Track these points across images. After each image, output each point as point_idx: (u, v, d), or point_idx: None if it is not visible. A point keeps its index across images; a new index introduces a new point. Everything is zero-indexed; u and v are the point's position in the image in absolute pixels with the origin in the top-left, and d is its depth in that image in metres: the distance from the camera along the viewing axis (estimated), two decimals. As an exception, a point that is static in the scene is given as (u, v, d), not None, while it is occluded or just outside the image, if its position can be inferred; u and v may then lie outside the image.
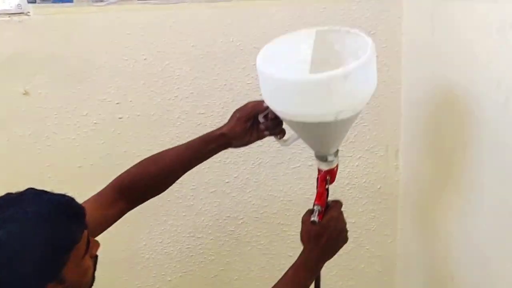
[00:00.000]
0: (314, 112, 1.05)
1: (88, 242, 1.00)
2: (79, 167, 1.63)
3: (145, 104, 1.60)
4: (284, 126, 1.25)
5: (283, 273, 1.76)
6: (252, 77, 1.61)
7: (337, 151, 1.23)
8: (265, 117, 1.24)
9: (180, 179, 1.67)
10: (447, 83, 1.39)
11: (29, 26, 1.50)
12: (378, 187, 1.74)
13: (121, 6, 1.52)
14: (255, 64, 1.57)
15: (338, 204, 1.24)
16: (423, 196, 1.61)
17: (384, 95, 1.66)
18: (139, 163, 1.28)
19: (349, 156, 1.71)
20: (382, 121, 1.68)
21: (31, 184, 1.00)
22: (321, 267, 1.23)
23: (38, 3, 1.50)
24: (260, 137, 1.28)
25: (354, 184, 1.74)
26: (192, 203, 1.71)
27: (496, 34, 1.12)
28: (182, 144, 1.29)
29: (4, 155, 1.58)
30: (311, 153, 1.67)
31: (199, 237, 1.75)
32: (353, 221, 1.77)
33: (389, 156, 1.72)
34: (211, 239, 1.76)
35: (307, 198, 1.72)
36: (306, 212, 1.22)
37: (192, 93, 1.61)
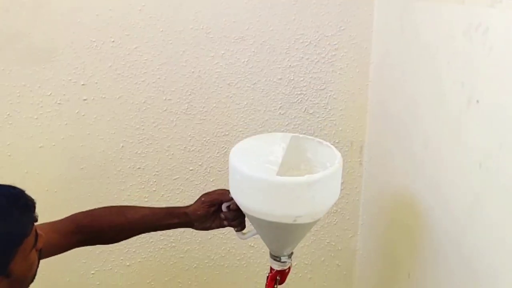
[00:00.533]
0: (274, 212, 1.11)
1: (36, 235, 0.99)
2: (40, 147, 1.60)
3: (111, 87, 1.58)
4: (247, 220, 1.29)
5: (243, 262, 1.79)
6: (221, 65, 1.60)
7: (292, 253, 1.28)
8: (228, 207, 1.29)
9: (144, 164, 1.67)
10: (413, 82, 1.40)
11: (-5, 1, 1.47)
12: (341, 182, 1.75)
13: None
14: (224, 53, 1.59)
15: None
16: (385, 192, 1.63)
17: (351, 91, 1.66)
18: (103, 208, 1.31)
19: (314, 150, 1.72)
20: (348, 117, 1.69)
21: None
22: None
23: (5, -22, 1.47)
24: (221, 225, 1.33)
25: (317, 178, 1.74)
26: (154, 189, 1.70)
27: (461, 36, 1.14)
28: (148, 208, 1.33)
29: (-37, 132, 1.55)
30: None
31: (160, 224, 1.74)
32: (315, 215, 1.78)
33: (354, 151, 1.73)
34: (172, 226, 1.75)
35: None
36: None
37: (159, 78, 1.59)
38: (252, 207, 1.14)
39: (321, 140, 1.26)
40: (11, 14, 1.48)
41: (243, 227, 1.33)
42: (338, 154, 1.19)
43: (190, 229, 1.72)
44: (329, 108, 1.68)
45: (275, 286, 1.27)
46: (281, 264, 1.27)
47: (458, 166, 1.17)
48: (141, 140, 1.64)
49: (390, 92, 1.56)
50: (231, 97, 1.63)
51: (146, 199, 1.70)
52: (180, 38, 1.57)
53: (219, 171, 1.70)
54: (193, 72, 1.60)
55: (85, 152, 1.63)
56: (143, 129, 1.63)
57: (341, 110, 1.68)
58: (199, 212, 1.29)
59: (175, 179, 1.70)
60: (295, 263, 1.81)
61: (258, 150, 1.26)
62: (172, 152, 1.67)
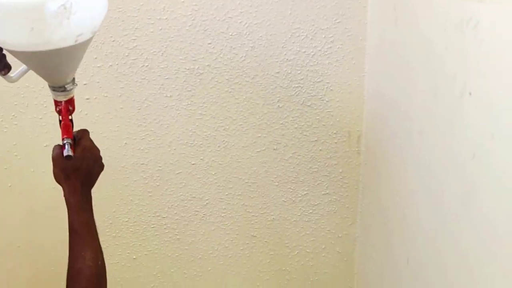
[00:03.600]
0: (50, 38, 0.95)
1: None
2: (46, 146, 1.64)
3: (112, 86, 1.62)
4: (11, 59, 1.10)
5: (245, 252, 1.84)
6: (219, 61, 1.63)
7: (74, 78, 1.15)
8: None
9: (147, 160, 1.71)
10: (408, 73, 1.44)
11: None
12: (340, 171, 1.80)
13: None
14: (222, 49, 1.62)
15: (86, 132, 1.19)
16: (383, 180, 1.67)
17: (347, 82, 1.70)
18: None
19: (313, 141, 1.76)
20: (345, 108, 1.73)
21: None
22: (91, 197, 1.17)
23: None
24: None
25: (317, 168, 1.78)
26: (158, 184, 1.74)
27: (454, 29, 1.17)
28: None
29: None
30: (276, 137, 1.73)
31: (164, 217, 1.78)
32: (316, 203, 1.82)
33: (351, 141, 1.77)
34: (176, 219, 1.79)
35: (271, 180, 1.78)
36: (54, 149, 1.15)
37: (159, 76, 1.63)
38: (20, 41, 0.96)
39: None
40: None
41: (9, 68, 1.10)
42: None
43: (194, 222, 1.79)
44: (326, 100, 1.71)
45: (70, 117, 1.17)
46: (68, 92, 1.14)
47: (453, 155, 1.21)
48: (143, 137, 1.68)
49: (385, 82, 1.60)
50: (230, 92, 1.67)
51: (150, 194, 1.74)
52: (178, 36, 1.60)
53: (220, 164, 1.74)
54: (192, 68, 1.63)
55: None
56: (145, 126, 1.67)
57: (338, 101, 1.72)
58: None
59: (177, 173, 1.74)
60: (296, 252, 1.86)
61: None
62: (174, 147, 1.71)
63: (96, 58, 1.58)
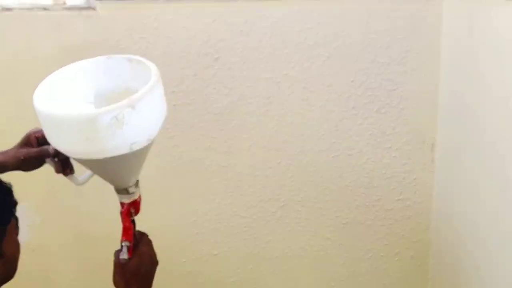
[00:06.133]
0: (104, 147, 1.00)
1: (17, 218, 1.04)
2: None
3: (197, 93, 1.74)
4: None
5: (320, 253, 1.90)
6: (297, 70, 1.73)
7: (137, 181, 1.18)
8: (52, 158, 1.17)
9: (228, 162, 1.81)
10: (482, 81, 1.46)
11: (96, 20, 1.67)
12: (414, 177, 1.83)
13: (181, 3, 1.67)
14: (299, 59, 1.70)
15: (145, 236, 1.20)
16: (456, 187, 1.68)
17: (422, 90, 1.73)
18: None
19: (387, 148, 1.80)
20: (419, 116, 1.76)
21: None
22: None
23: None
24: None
25: (391, 174, 1.83)
26: (237, 185, 1.85)
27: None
28: None
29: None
30: (351, 143, 1.79)
31: (243, 216, 1.88)
32: (389, 208, 1.86)
33: (426, 148, 1.79)
34: (254, 219, 1.89)
35: (345, 185, 1.84)
36: (115, 254, 1.15)
37: (240, 84, 1.74)
38: (77, 150, 1.03)
39: (130, 56, 1.14)
40: (110, 31, 1.68)
41: (73, 170, 1.19)
42: (152, 66, 1.08)
43: (271, 222, 1.88)
44: (401, 107, 1.75)
45: (132, 219, 1.17)
46: (131, 195, 1.16)
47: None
48: (225, 141, 1.79)
49: (460, 91, 1.62)
50: (306, 99, 1.75)
51: (230, 194, 1.85)
52: (259, 46, 1.71)
53: (296, 168, 1.82)
54: (271, 77, 1.73)
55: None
56: (227, 130, 1.78)
57: (412, 109, 1.76)
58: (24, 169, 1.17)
59: (256, 175, 1.84)
60: (369, 255, 1.91)
61: (64, 86, 1.13)
62: (253, 151, 1.81)
63: (183, 68, 1.71)
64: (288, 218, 1.89)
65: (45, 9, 1.68)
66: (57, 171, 1.17)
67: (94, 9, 1.67)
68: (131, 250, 1.14)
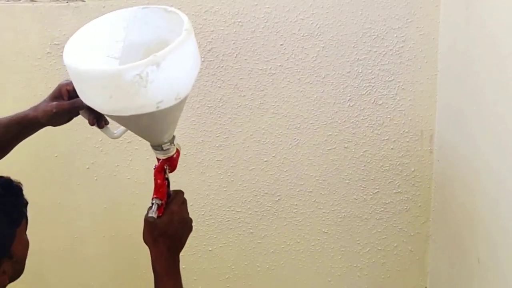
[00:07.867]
0: (129, 105, 0.97)
1: (27, 217, 1.04)
2: (129, 142, 1.75)
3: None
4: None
5: (317, 247, 1.88)
6: (291, 62, 1.69)
7: (173, 137, 1.13)
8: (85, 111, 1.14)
9: (222, 156, 1.78)
10: (480, 72, 1.43)
11: (84, 11, 1.63)
12: (412, 169, 1.80)
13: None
14: (294, 50, 1.67)
15: (179, 195, 1.15)
16: (455, 179, 1.66)
17: (419, 81, 1.70)
18: None
19: (385, 139, 1.77)
20: (417, 107, 1.73)
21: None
22: (178, 261, 1.14)
23: (93, -10, 1.62)
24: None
25: (388, 167, 1.79)
26: (232, 179, 1.81)
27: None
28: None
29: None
30: (347, 135, 1.76)
31: (238, 211, 1.86)
32: (387, 202, 1.83)
33: (424, 140, 1.76)
34: (250, 214, 1.86)
35: (342, 178, 1.81)
36: (147, 210, 1.11)
37: (233, 76, 1.71)
38: (103, 106, 1.01)
39: (166, 7, 1.09)
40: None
41: (107, 122, 1.16)
42: (185, 18, 1.02)
43: (267, 217, 1.85)
44: (398, 98, 1.72)
45: (166, 176, 1.13)
46: (165, 152, 1.12)
47: (521, 156, 1.20)
48: (218, 135, 1.76)
49: (458, 81, 1.59)
50: (301, 91, 1.72)
51: (224, 189, 1.82)
52: (252, 38, 1.67)
53: (292, 161, 1.79)
54: (264, 69, 1.70)
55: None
56: (220, 124, 1.75)
57: (410, 100, 1.72)
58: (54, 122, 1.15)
59: (251, 169, 1.81)
60: (367, 249, 1.88)
61: (95, 39, 1.10)
62: (247, 145, 1.78)
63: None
64: (284, 213, 1.86)
65: (32, 0, 1.64)
66: (91, 123, 1.13)
67: (82, 0, 1.63)
68: (162, 208, 1.10)
